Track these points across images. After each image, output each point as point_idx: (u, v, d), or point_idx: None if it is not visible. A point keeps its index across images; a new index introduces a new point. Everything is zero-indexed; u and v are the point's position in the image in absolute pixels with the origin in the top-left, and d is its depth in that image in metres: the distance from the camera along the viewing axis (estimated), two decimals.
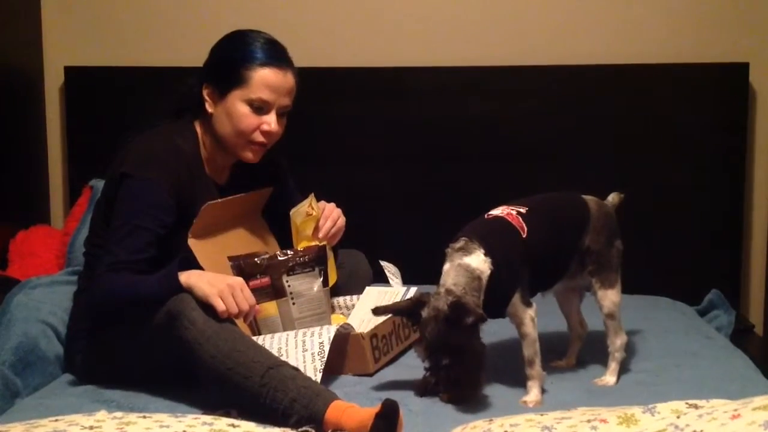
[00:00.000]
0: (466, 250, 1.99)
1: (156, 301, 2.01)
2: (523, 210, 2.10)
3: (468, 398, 1.99)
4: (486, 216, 2.11)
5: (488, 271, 1.97)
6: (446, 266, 2.00)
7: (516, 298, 2.02)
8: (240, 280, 2.06)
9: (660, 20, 3.12)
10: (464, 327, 1.90)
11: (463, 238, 2.01)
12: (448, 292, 1.94)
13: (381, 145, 3.16)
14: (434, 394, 2.01)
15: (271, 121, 2.22)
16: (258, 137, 2.23)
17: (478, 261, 1.97)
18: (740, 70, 3.04)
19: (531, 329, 2.04)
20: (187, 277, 2.02)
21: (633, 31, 3.13)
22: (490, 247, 1.99)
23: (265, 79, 2.19)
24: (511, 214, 2.08)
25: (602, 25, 3.14)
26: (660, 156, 3.09)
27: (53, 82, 3.30)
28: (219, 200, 2.24)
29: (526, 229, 2.06)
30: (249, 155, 2.26)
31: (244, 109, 2.20)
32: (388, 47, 3.19)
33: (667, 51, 3.10)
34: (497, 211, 2.11)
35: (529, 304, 2.04)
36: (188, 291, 2.00)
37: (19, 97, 3.18)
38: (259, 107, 2.21)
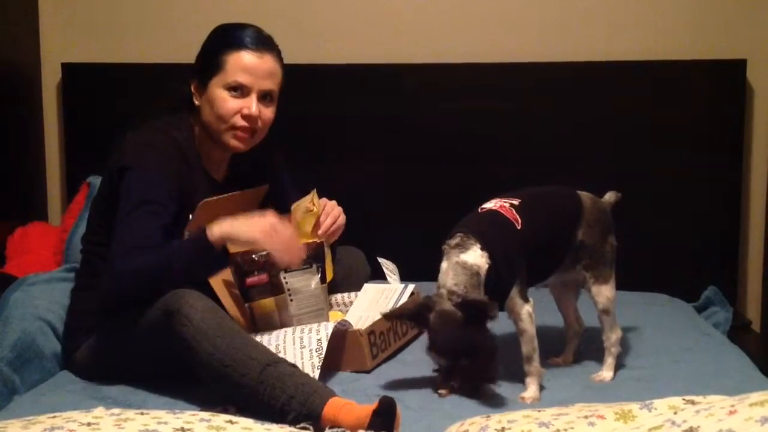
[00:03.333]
0: (462, 247, 1.99)
1: (191, 270, 2.02)
2: (515, 202, 2.10)
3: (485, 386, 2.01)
4: (479, 210, 2.11)
5: (486, 266, 1.97)
6: (444, 265, 1.99)
7: (514, 292, 2.02)
8: (270, 217, 2.06)
9: (657, 17, 3.12)
10: (478, 324, 1.91)
11: (459, 234, 2.01)
12: (451, 293, 1.93)
13: (379, 142, 3.16)
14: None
15: (250, 105, 2.21)
16: (239, 121, 2.22)
17: (475, 256, 1.97)
18: (738, 66, 3.04)
19: (529, 325, 2.04)
20: (219, 230, 2.01)
21: (631, 28, 3.13)
22: (486, 241, 1.99)
23: (240, 62, 2.20)
24: (504, 207, 2.08)
25: (600, 23, 3.14)
26: (657, 153, 3.09)
27: (50, 78, 3.30)
28: (215, 197, 2.23)
29: (520, 220, 2.05)
30: (234, 142, 2.24)
31: (222, 94, 2.21)
32: (386, 44, 3.19)
33: (665, 48, 3.10)
34: (490, 204, 2.11)
35: (526, 300, 2.04)
36: (226, 242, 2.01)
37: (16, 94, 3.17)
38: (237, 90, 2.20)
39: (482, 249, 1.98)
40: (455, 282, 1.94)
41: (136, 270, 2.02)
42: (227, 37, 2.23)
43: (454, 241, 2.00)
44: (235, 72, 2.19)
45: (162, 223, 2.08)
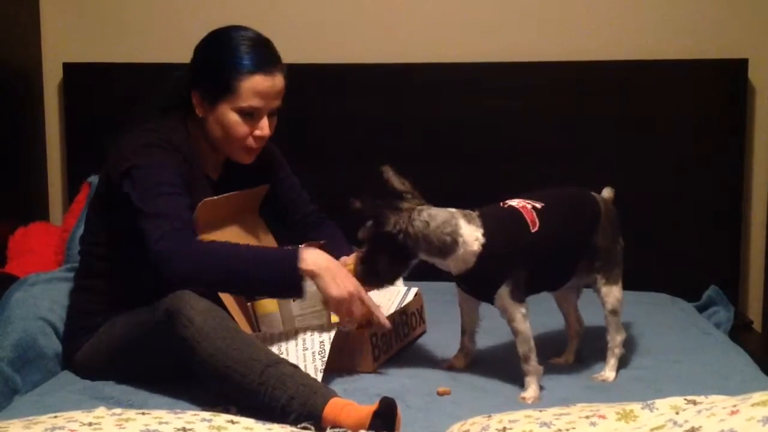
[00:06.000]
0: (468, 219, 2.02)
1: (263, 282, 2.02)
2: (539, 205, 2.09)
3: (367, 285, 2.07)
4: (501, 203, 2.12)
5: (475, 248, 1.99)
6: (452, 210, 2.03)
7: (504, 291, 2.02)
8: (359, 286, 2.04)
9: (658, 16, 3.12)
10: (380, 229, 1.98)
11: (474, 212, 2.04)
12: (423, 212, 2.00)
13: (384, 141, 3.15)
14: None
15: (263, 127, 2.20)
16: (251, 143, 2.22)
17: (470, 232, 2.00)
18: (739, 66, 3.04)
19: (523, 325, 2.04)
20: (314, 264, 2.00)
21: (632, 28, 3.13)
22: (490, 229, 2.00)
23: (255, 88, 2.16)
24: (526, 208, 2.08)
25: (602, 22, 3.14)
26: (659, 153, 3.09)
27: (52, 78, 3.30)
28: (215, 197, 2.23)
29: (537, 224, 2.05)
30: (243, 157, 2.26)
31: (234, 118, 2.18)
32: (391, 44, 3.19)
33: (666, 47, 3.10)
34: (513, 202, 2.10)
35: (520, 300, 2.04)
36: (309, 276, 2.00)
37: (17, 94, 3.17)
38: (250, 114, 2.18)
39: (483, 235, 2.00)
40: (431, 213, 2.00)
41: (210, 253, 2.02)
42: (237, 59, 2.16)
43: (465, 212, 2.04)
44: (249, 98, 2.16)
45: (187, 202, 2.09)
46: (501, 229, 2.03)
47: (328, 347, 2.04)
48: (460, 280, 2.09)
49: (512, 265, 2.02)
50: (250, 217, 2.42)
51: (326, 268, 2.02)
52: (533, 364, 2.04)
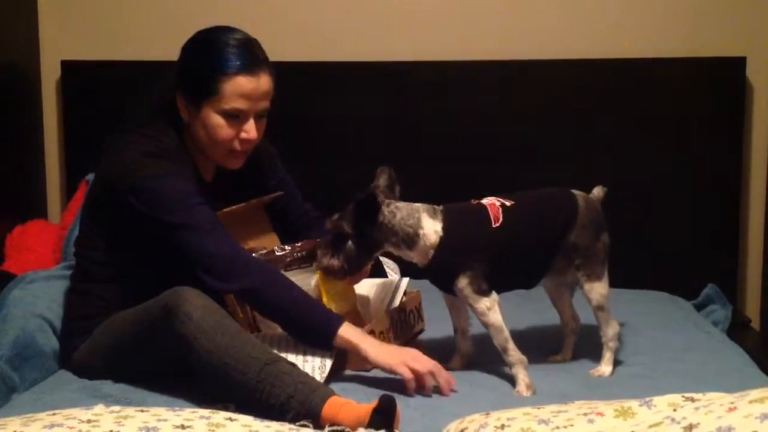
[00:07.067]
0: (430, 213, 2.08)
1: (297, 327, 2.05)
2: (508, 203, 2.12)
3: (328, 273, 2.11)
4: (473, 200, 2.15)
5: (433, 240, 2.05)
6: (416, 204, 2.09)
7: (462, 282, 2.05)
8: (412, 349, 2.06)
9: (655, 14, 3.12)
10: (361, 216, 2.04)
11: (440, 207, 2.10)
12: (391, 205, 2.06)
13: (382, 139, 3.15)
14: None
15: (249, 130, 2.16)
16: (237, 146, 2.18)
17: (430, 225, 2.06)
18: (737, 64, 3.04)
19: (491, 318, 2.06)
20: (356, 337, 2.01)
21: (631, 26, 3.13)
22: (450, 222, 2.06)
23: (238, 89, 2.12)
24: (494, 205, 2.11)
25: (600, 20, 3.14)
26: (656, 151, 3.09)
27: (50, 76, 3.30)
28: (231, 209, 2.22)
29: (500, 220, 2.08)
30: (230, 163, 2.22)
31: (219, 121, 2.14)
32: (389, 42, 3.19)
33: (663, 45, 3.10)
34: (485, 200, 2.14)
35: (483, 293, 2.05)
36: (348, 346, 2.02)
37: (15, 92, 3.17)
38: (235, 116, 2.14)
39: (442, 228, 2.06)
40: (397, 207, 2.06)
41: (277, 279, 2.07)
42: (219, 60, 2.12)
43: (432, 207, 2.10)
44: (232, 99, 2.12)
45: (210, 211, 2.09)
46: (460, 222, 2.08)
47: (329, 365, 2.03)
48: (425, 272, 2.12)
49: (469, 257, 2.05)
50: (254, 215, 2.41)
51: (366, 337, 2.03)
52: (513, 354, 2.05)
